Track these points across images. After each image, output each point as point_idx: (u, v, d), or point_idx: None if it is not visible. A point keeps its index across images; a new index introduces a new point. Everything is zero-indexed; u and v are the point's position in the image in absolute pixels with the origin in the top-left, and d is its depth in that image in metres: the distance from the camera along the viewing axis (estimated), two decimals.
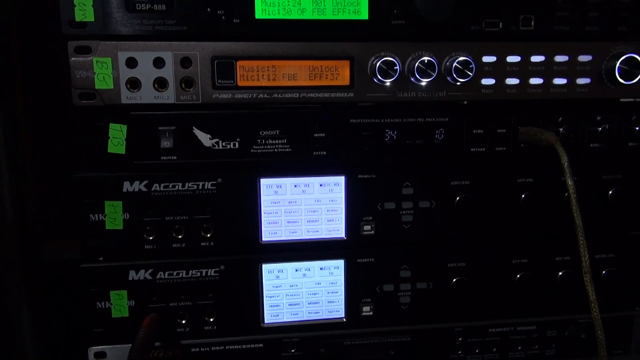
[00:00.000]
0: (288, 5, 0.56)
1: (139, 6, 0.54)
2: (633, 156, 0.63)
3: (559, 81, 0.60)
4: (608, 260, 0.66)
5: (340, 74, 0.57)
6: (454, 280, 0.64)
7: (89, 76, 0.54)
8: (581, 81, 0.61)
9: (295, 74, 0.57)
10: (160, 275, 0.60)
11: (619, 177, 0.64)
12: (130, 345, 0.55)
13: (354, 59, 0.57)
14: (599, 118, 0.61)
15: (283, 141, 0.59)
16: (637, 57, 0.59)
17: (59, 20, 0.53)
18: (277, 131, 0.58)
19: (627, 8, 0.60)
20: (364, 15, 0.57)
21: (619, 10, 0.60)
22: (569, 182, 0.52)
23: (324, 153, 0.59)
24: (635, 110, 0.62)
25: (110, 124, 0.56)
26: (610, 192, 0.64)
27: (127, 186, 0.58)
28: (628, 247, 0.67)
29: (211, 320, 0.62)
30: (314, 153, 0.59)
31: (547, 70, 0.60)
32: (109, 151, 0.56)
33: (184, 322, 0.61)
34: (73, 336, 0.75)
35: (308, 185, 0.61)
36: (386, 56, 0.56)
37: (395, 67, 0.56)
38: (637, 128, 0.62)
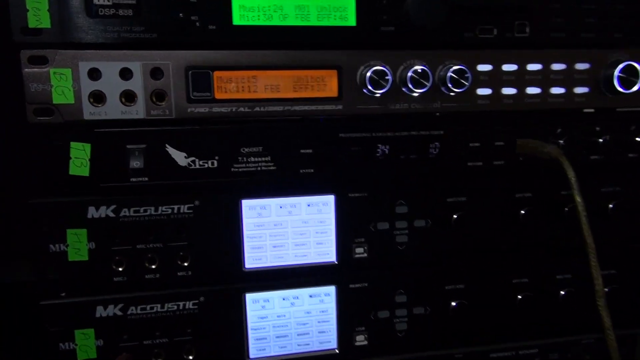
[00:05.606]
0: (269, 10, 0.54)
1: (101, 11, 0.51)
2: (633, 167, 0.63)
3: (556, 90, 0.60)
4: (610, 277, 0.66)
5: (327, 84, 0.56)
6: (453, 303, 0.63)
7: (45, 89, 0.52)
8: (579, 90, 0.61)
9: (278, 85, 0.55)
10: (132, 310, 0.57)
11: (618, 189, 0.64)
12: None
13: (342, 69, 0.56)
14: (598, 129, 0.61)
15: (266, 159, 0.57)
16: (635, 65, 0.59)
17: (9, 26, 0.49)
18: (260, 148, 0.57)
19: (623, 15, 0.60)
20: (352, 22, 0.56)
21: (614, 17, 0.60)
22: (578, 198, 0.50)
23: (312, 170, 0.58)
24: (634, 120, 0.62)
25: (71, 142, 0.53)
26: (611, 205, 0.63)
27: (92, 212, 0.55)
28: (630, 261, 0.66)
29: (190, 358, 0.59)
30: (301, 171, 0.58)
31: (545, 79, 0.60)
32: (70, 173, 0.54)
33: None
34: None
35: (295, 206, 0.59)
36: (376, 65, 0.56)
37: (386, 77, 0.56)
38: (637, 139, 0.61)
